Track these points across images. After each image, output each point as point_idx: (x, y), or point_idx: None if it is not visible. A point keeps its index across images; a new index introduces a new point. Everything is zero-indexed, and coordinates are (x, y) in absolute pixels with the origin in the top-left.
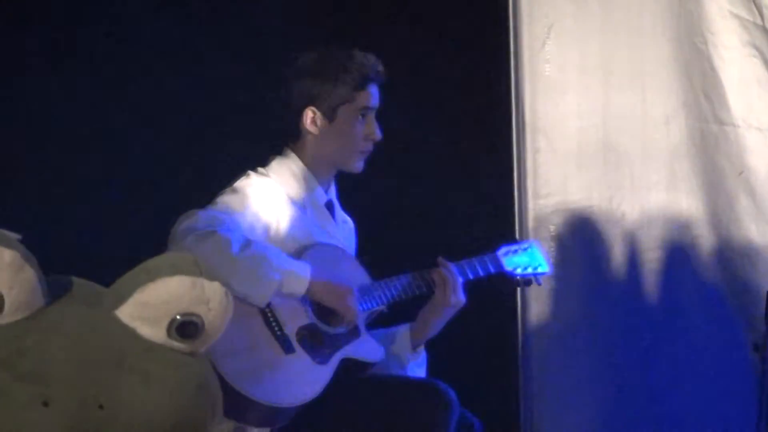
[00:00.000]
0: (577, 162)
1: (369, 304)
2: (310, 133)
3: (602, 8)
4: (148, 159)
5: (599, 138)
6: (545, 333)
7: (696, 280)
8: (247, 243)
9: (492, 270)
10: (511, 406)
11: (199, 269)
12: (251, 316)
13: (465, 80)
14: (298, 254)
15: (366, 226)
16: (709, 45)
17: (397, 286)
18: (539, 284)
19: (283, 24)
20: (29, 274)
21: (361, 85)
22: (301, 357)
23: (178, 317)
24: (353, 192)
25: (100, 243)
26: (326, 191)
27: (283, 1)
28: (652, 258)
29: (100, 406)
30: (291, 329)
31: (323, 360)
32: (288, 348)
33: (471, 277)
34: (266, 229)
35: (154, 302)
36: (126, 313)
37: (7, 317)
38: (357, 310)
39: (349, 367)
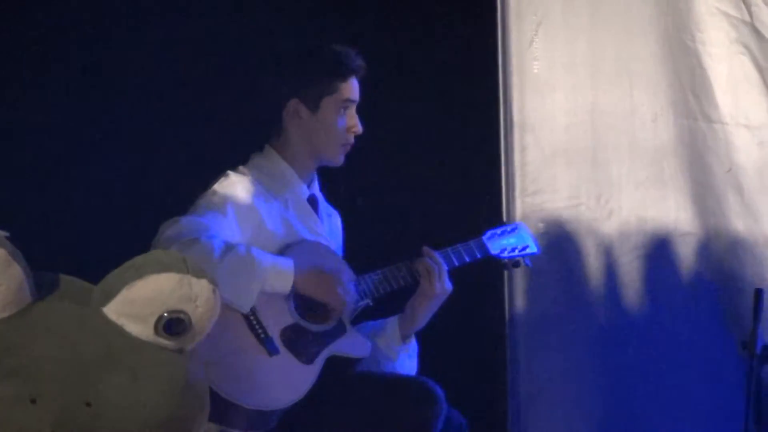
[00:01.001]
0: (565, 159)
1: (354, 300)
2: (293, 126)
3: (590, 6)
4: (135, 157)
5: (587, 136)
6: (533, 330)
7: (684, 277)
8: (229, 248)
9: (478, 255)
10: (499, 403)
11: (187, 267)
12: (234, 319)
13: (453, 77)
14: (282, 252)
15: (351, 221)
16: (697, 42)
17: (381, 279)
18: (528, 265)
19: (265, 18)
20: (17, 272)
21: (343, 76)
22: (286, 358)
23: (165, 314)
24: (337, 187)
25: (88, 240)
26: (308, 186)
27: None
28: (639, 255)
29: (88, 404)
30: (275, 330)
31: (309, 359)
32: (272, 350)
33: (457, 264)
34: (249, 230)
35: (141, 299)
36: (113, 310)
37: None
38: (347, 297)
39: (336, 363)
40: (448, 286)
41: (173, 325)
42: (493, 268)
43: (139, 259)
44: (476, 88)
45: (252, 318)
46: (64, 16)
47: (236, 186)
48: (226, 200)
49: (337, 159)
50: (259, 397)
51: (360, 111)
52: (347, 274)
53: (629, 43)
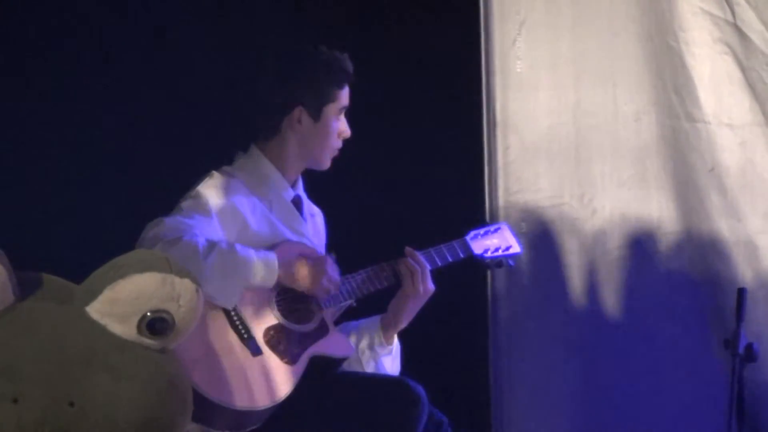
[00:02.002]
0: (548, 159)
1: (337, 300)
2: (291, 132)
3: (573, 5)
4: (120, 156)
5: (570, 135)
6: (516, 330)
7: (666, 276)
8: (212, 245)
9: (461, 255)
10: (482, 402)
11: (170, 266)
12: (217, 320)
13: (435, 77)
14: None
15: (335, 222)
16: (680, 42)
17: (364, 279)
18: (511, 265)
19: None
20: None
21: (342, 84)
22: (269, 358)
23: (148, 314)
24: (322, 188)
25: (72, 240)
26: (293, 187)
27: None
28: (622, 255)
29: (71, 403)
30: (258, 331)
31: (292, 360)
32: (255, 350)
33: (440, 264)
34: (232, 230)
35: (124, 299)
36: (96, 309)
37: None
38: (331, 285)
39: (319, 364)
40: (431, 287)
41: (156, 324)
42: (476, 268)
43: (121, 259)
44: (459, 88)
45: (235, 318)
46: (58, 18)
47: (220, 186)
48: (210, 201)
49: (326, 164)
50: (242, 397)
51: (345, 112)
52: (331, 265)
53: (612, 43)
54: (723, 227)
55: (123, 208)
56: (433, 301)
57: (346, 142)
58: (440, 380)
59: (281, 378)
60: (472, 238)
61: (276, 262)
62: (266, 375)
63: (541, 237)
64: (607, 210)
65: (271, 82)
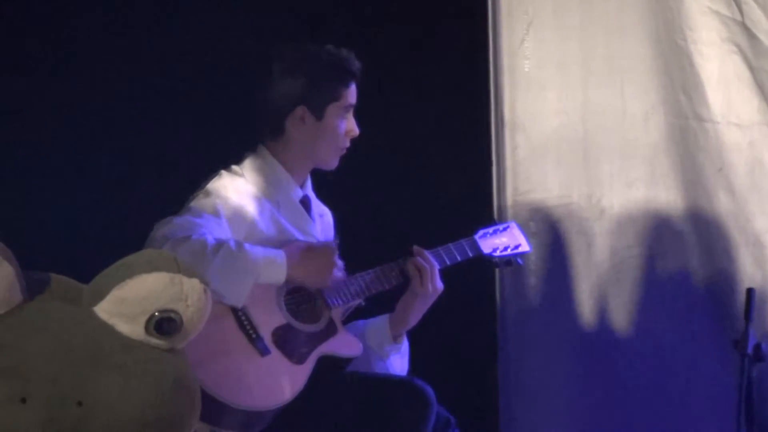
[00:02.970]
0: (557, 158)
1: (345, 299)
2: (296, 131)
3: (581, 5)
4: (129, 156)
5: (578, 134)
6: (524, 328)
7: (675, 276)
8: (220, 244)
9: (470, 254)
10: (490, 400)
11: (178, 266)
12: (224, 320)
13: (444, 76)
14: None
15: (344, 222)
16: (688, 41)
17: (373, 278)
18: (520, 264)
19: (260, 20)
20: (7, 271)
21: (347, 82)
22: (277, 358)
23: (156, 314)
24: (329, 187)
25: (79, 239)
26: (301, 187)
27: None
28: (631, 254)
29: (79, 403)
30: (266, 331)
31: (300, 359)
32: (263, 350)
33: (448, 262)
34: (241, 230)
35: (132, 299)
36: (104, 309)
37: None
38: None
39: (327, 363)
40: (440, 286)
41: (164, 324)
42: (485, 266)
43: (129, 259)
44: (467, 87)
45: (243, 318)
46: (60, 18)
47: (229, 186)
48: (219, 200)
49: (333, 163)
50: (251, 397)
51: (353, 111)
52: (336, 254)
53: (620, 42)
54: (731, 227)
55: (131, 207)
56: (441, 300)
57: (354, 141)
58: (448, 379)
59: (289, 378)
60: (481, 237)
61: (285, 259)
62: (274, 375)
63: (550, 236)
64: (616, 210)
65: (273, 81)
